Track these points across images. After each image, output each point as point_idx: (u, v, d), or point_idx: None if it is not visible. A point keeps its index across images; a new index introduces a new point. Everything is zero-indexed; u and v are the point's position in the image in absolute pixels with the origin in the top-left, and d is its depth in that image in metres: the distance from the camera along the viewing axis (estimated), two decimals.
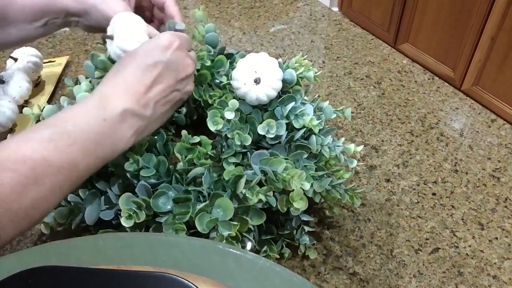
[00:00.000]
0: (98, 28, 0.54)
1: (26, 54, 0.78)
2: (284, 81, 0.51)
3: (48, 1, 0.52)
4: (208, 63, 0.56)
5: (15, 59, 0.77)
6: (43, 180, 0.35)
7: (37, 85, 0.82)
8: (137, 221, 0.45)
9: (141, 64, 0.42)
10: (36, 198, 0.35)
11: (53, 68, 0.86)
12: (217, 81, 0.56)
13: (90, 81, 0.54)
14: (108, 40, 0.50)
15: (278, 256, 0.51)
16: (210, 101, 0.55)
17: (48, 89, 0.81)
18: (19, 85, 0.72)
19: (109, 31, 0.50)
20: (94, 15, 0.53)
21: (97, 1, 0.52)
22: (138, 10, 0.58)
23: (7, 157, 0.34)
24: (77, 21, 0.55)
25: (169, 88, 0.44)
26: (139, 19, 0.49)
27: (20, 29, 0.53)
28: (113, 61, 0.51)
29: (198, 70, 0.56)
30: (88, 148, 0.38)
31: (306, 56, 0.65)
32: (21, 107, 0.73)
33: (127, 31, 0.48)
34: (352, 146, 0.51)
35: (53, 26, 0.56)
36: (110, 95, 0.41)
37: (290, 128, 0.51)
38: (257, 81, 0.49)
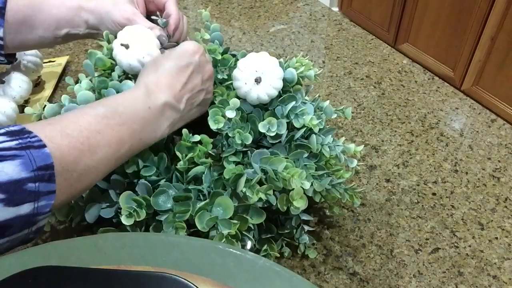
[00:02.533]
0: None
1: (26, 54, 0.78)
2: (284, 80, 0.51)
3: (71, 13, 0.57)
4: (219, 57, 0.57)
5: (15, 59, 0.77)
6: (95, 150, 0.39)
7: (37, 85, 0.82)
8: (137, 219, 0.45)
9: (177, 65, 0.49)
10: (88, 165, 0.39)
11: (53, 68, 0.86)
12: (219, 77, 0.56)
13: (90, 80, 0.54)
14: (122, 48, 0.52)
15: (278, 255, 0.51)
16: None
17: (48, 89, 0.81)
18: (19, 85, 0.72)
19: (121, 39, 0.52)
20: (107, 22, 0.56)
21: (109, 7, 0.55)
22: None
23: (66, 125, 0.38)
24: (97, 33, 0.59)
25: (197, 86, 0.50)
26: (151, 33, 0.52)
27: (42, 35, 0.58)
28: (115, 63, 0.52)
29: None
30: (135, 130, 0.43)
31: (307, 56, 0.65)
32: (21, 107, 0.73)
33: (142, 43, 0.51)
34: (352, 146, 0.51)
35: (74, 36, 0.60)
36: (154, 88, 0.47)
37: (290, 127, 0.51)
38: (258, 81, 0.49)
